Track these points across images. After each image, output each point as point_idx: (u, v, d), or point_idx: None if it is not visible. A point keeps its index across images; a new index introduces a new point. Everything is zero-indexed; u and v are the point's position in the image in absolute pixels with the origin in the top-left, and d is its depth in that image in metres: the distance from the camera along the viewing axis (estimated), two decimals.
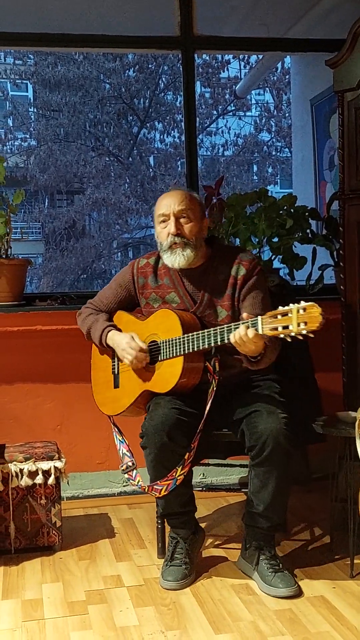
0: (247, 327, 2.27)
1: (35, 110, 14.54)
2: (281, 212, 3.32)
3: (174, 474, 2.43)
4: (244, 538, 2.60)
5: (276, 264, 3.44)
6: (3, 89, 14.40)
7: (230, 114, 14.56)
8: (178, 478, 2.43)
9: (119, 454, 2.67)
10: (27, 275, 3.47)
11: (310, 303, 2.15)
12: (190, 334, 2.43)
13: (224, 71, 13.45)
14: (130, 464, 2.62)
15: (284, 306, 2.19)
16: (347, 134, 3.00)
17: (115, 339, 2.64)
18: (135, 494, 3.45)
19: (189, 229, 2.53)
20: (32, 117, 14.63)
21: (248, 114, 14.87)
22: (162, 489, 2.44)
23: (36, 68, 13.71)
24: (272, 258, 3.37)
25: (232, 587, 2.48)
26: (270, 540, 2.53)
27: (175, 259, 2.53)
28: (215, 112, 14.41)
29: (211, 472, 3.57)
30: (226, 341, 2.34)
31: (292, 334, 2.16)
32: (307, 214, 3.37)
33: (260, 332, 2.24)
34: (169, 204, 2.54)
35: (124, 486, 3.50)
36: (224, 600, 2.39)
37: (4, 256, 3.22)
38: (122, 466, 2.64)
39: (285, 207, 3.33)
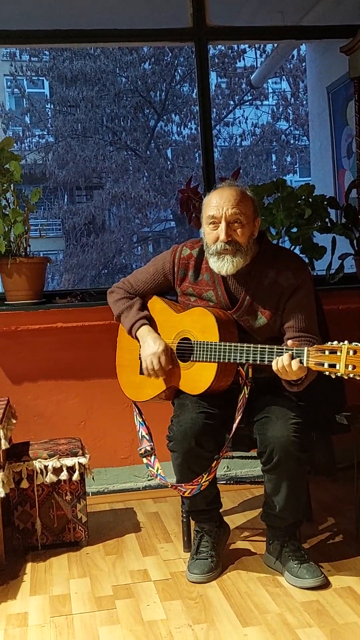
0: (292, 357, 2.18)
1: (52, 106, 14.58)
2: (299, 201, 3.29)
3: (199, 480, 2.41)
4: (267, 534, 2.59)
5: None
6: (20, 86, 14.45)
7: (247, 103, 14.48)
8: (203, 484, 2.41)
9: (138, 435, 2.66)
10: (48, 272, 3.47)
11: None
12: (229, 344, 2.33)
13: (239, 61, 13.38)
14: (148, 448, 2.59)
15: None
16: None
17: (146, 340, 2.54)
18: (160, 488, 3.46)
19: (241, 234, 2.36)
20: (49, 113, 14.67)
21: (265, 103, 14.78)
22: (186, 491, 2.43)
23: (52, 64, 13.74)
24: (292, 248, 3.34)
25: (258, 579, 2.48)
26: (293, 533, 2.52)
27: (222, 266, 2.37)
28: (232, 102, 14.34)
29: (235, 464, 3.56)
30: (265, 363, 2.26)
31: (339, 374, 2.10)
32: (325, 202, 3.34)
33: (304, 364, 2.17)
34: (220, 205, 2.35)
35: (148, 480, 3.51)
36: (251, 592, 2.39)
37: (23, 254, 3.23)
38: (140, 449, 2.62)
39: (303, 197, 3.30)
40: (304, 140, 13.96)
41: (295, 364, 2.17)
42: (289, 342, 2.24)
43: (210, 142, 3.66)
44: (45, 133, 14.54)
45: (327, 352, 2.12)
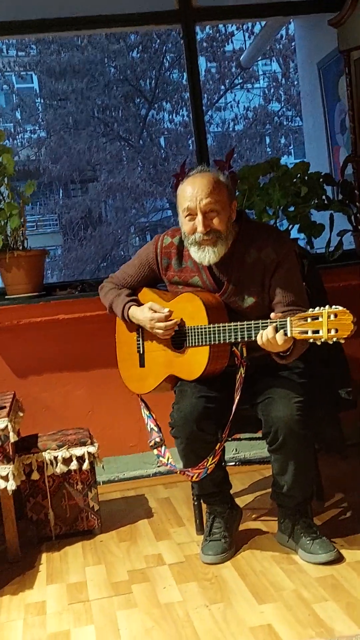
0: (276, 329, 2.19)
1: (42, 100, 14.53)
2: (295, 180, 3.28)
3: (205, 464, 2.42)
4: (278, 513, 2.60)
5: (294, 233, 3.40)
6: (8, 82, 14.39)
7: (238, 87, 14.40)
8: (209, 467, 2.42)
9: (147, 428, 2.67)
10: (47, 268, 3.47)
11: (341, 309, 2.08)
12: (216, 326, 2.35)
13: (228, 44, 13.30)
14: (158, 439, 2.61)
15: (313, 308, 2.14)
16: (356, 93, 2.95)
17: (137, 316, 2.57)
18: (170, 473, 3.47)
19: (219, 222, 2.36)
20: (40, 108, 14.62)
21: (256, 85, 14.71)
22: (193, 476, 2.44)
23: (39, 58, 13.68)
24: (290, 228, 3.34)
25: (272, 558, 2.49)
26: (304, 511, 2.52)
27: (204, 257, 2.39)
28: (222, 86, 14.27)
29: (244, 446, 3.57)
30: (253, 339, 2.27)
31: (322, 339, 2.10)
32: (321, 179, 3.33)
33: (288, 334, 2.17)
34: (194, 196, 2.34)
35: (158, 467, 3.52)
36: (265, 571, 2.40)
37: (20, 248, 3.22)
38: (150, 442, 2.63)
39: (298, 175, 3.29)
40: (297, 121, 13.90)
41: (279, 336, 2.18)
42: (272, 314, 2.24)
43: (202, 124, 3.64)
44: (37, 128, 14.49)
45: (309, 320, 2.13)
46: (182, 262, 2.54)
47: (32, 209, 13.84)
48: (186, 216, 2.40)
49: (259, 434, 2.90)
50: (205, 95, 13.25)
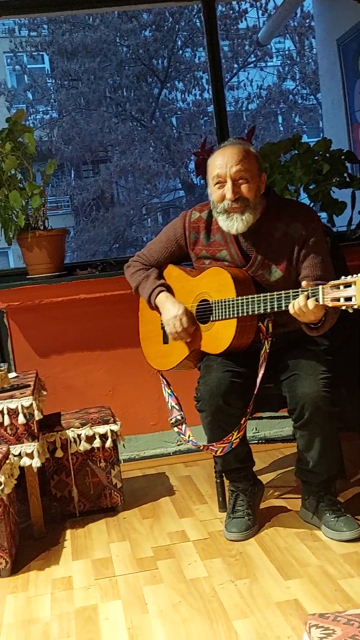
0: (307, 297, 2.18)
1: (53, 81, 14.45)
2: (316, 157, 3.26)
3: (230, 438, 2.42)
4: (302, 490, 2.61)
5: (315, 211, 3.38)
6: (20, 63, 14.32)
7: (252, 65, 14.27)
8: (234, 442, 2.43)
9: (167, 406, 2.68)
10: None
11: None
12: (245, 297, 2.35)
13: (241, 21, 13.16)
14: (179, 417, 2.61)
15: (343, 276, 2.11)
16: None
17: (165, 305, 2.56)
18: (191, 452, 3.50)
19: (248, 190, 2.37)
20: (52, 88, 14.54)
21: (270, 63, 14.56)
22: (217, 450, 2.45)
23: (51, 38, 13.60)
24: (311, 206, 3.31)
25: (296, 534, 2.50)
26: (328, 488, 2.53)
27: (232, 225, 2.39)
28: (236, 65, 14.14)
29: (264, 425, 3.58)
30: (283, 309, 2.26)
31: (356, 307, 2.07)
32: (343, 157, 3.30)
33: (320, 302, 2.16)
34: (224, 164, 2.37)
35: (178, 445, 3.54)
36: (290, 547, 2.42)
37: (41, 228, 3.23)
38: (171, 419, 2.64)
39: (320, 153, 3.26)
40: (312, 99, 13.77)
41: (311, 303, 2.17)
42: (304, 282, 2.23)
43: (223, 102, 3.61)
44: (49, 109, 14.44)
45: (341, 287, 2.11)
46: (210, 236, 2.54)
47: (49, 187, 13.85)
48: (216, 184, 2.41)
49: (280, 413, 2.92)
50: None
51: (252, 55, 14.15)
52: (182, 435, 2.60)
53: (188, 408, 2.62)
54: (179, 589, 2.23)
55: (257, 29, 12.70)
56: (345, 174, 3.30)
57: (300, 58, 13.78)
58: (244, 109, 14.26)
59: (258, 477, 2.80)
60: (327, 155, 3.26)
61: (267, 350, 2.40)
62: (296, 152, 3.25)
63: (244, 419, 2.43)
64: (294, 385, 2.38)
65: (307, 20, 12.39)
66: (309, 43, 13.08)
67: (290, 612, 2.01)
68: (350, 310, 2.11)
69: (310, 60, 13.39)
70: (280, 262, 2.44)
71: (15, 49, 13.97)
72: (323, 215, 3.40)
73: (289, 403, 2.40)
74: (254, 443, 3.05)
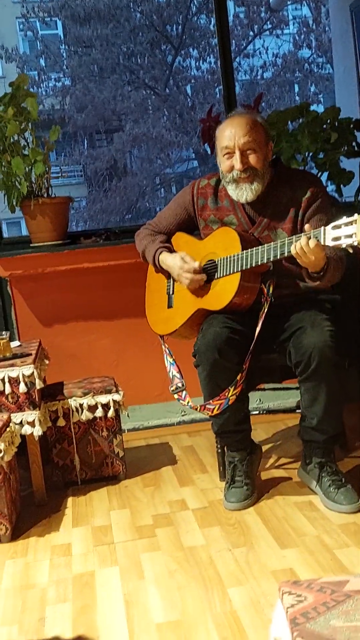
0: (309, 238, 2.21)
1: (66, 47, 14.27)
2: (325, 126, 3.20)
3: (226, 394, 2.44)
4: (303, 453, 2.62)
5: (322, 181, 3.32)
6: (33, 28, 14.15)
7: (267, 32, 14.01)
8: (230, 398, 2.45)
9: (168, 375, 2.69)
10: (72, 219, 3.45)
11: None
12: (249, 250, 2.39)
13: None
14: (180, 384, 2.63)
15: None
16: None
17: (167, 262, 2.63)
18: (194, 422, 3.50)
19: (256, 160, 2.43)
20: (64, 54, 14.37)
21: (286, 31, 14.28)
22: (214, 408, 2.47)
23: (64, 2, 13.40)
24: (318, 175, 3.26)
25: (295, 504, 2.51)
26: (330, 455, 2.54)
27: (242, 194, 2.46)
28: (251, 32, 13.89)
29: (268, 397, 3.58)
30: (286, 254, 2.29)
31: (355, 243, 2.10)
32: (352, 126, 3.23)
33: (322, 242, 2.19)
34: (232, 135, 2.43)
35: (182, 416, 3.55)
36: (288, 517, 2.43)
37: (45, 195, 3.20)
38: (171, 387, 2.65)
39: (328, 121, 3.20)
40: (328, 68, 13.52)
41: (312, 242, 2.20)
42: (306, 226, 2.27)
43: (231, 70, 3.55)
44: (61, 76, 14.28)
45: (342, 227, 2.15)
46: (217, 201, 2.60)
47: (57, 159, 13.76)
48: (224, 155, 2.48)
49: (284, 384, 2.92)
50: (234, 42, 12.94)
51: (268, 23, 13.89)
52: (181, 401, 2.62)
53: (189, 380, 2.61)
54: (176, 557, 2.25)
55: None
56: (354, 143, 3.24)
57: (316, 25, 13.51)
58: (258, 77, 14.04)
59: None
60: (336, 123, 3.19)
61: (265, 311, 2.44)
62: (304, 120, 3.19)
63: (240, 374, 2.44)
64: (299, 338, 2.39)
65: None
66: (326, 10, 12.80)
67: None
68: (350, 250, 2.15)
69: (326, 28, 13.11)
70: (285, 225, 2.49)
71: (28, 14, 13.79)
72: (331, 187, 3.35)
73: (295, 356, 2.40)
74: (257, 414, 3.05)
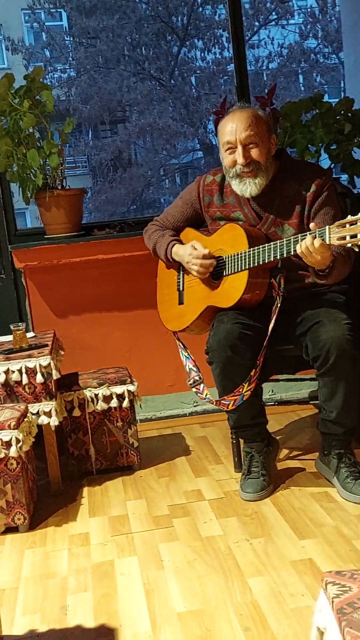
0: (314, 237, 2.22)
1: (72, 39, 14.21)
2: (338, 117, 3.19)
3: (240, 390, 2.44)
4: (321, 445, 2.63)
5: (336, 172, 3.33)
6: (38, 20, 14.09)
7: (273, 23, 13.93)
8: (245, 394, 2.45)
9: (185, 369, 2.69)
10: None
11: None
12: (255, 248, 2.40)
13: None
14: (197, 378, 2.63)
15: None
16: None
17: (179, 252, 2.64)
18: (207, 412, 3.51)
19: (258, 154, 2.43)
20: (70, 46, 14.31)
21: (291, 21, 14.19)
22: (229, 404, 2.47)
23: None
24: (332, 166, 3.26)
25: (311, 495, 2.52)
26: (349, 447, 2.55)
27: (246, 189, 2.46)
28: (257, 23, 13.81)
29: (280, 387, 3.59)
30: (292, 252, 2.30)
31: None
32: None
33: (327, 241, 2.19)
34: (234, 130, 2.44)
35: (194, 406, 3.56)
36: (305, 508, 2.44)
37: (59, 187, 3.20)
38: (189, 381, 2.66)
39: (342, 112, 3.20)
40: (334, 58, 13.46)
41: (317, 242, 2.20)
42: (312, 224, 2.27)
43: (244, 60, 3.54)
44: (67, 67, 14.22)
45: (347, 226, 2.15)
46: (223, 198, 2.60)
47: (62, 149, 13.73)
48: (227, 150, 2.48)
49: (297, 375, 2.93)
50: None
51: (274, 13, 13.81)
52: (199, 394, 2.62)
53: (205, 372, 2.62)
54: (195, 547, 2.26)
55: None
56: None
57: (322, 16, 13.42)
58: (264, 68, 13.97)
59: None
60: (350, 114, 3.19)
61: (279, 305, 2.44)
62: (317, 111, 3.19)
63: (254, 370, 2.44)
64: (317, 332, 2.39)
65: None
66: (332, 0, 12.74)
67: (304, 571, 2.04)
68: (356, 249, 2.15)
69: (332, 18, 13.04)
70: (292, 220, 2.48)
71: (33, 6, 13.71)
72: (344, 177, 3.35)
73: (312, 350, 2.40)
74: (270, 405, 3.06)
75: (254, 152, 2.43)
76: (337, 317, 2.39)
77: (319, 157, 3.23)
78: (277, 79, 13.53)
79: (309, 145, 3.20)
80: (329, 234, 2.19)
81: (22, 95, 3.02)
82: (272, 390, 3.60)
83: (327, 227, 2.20)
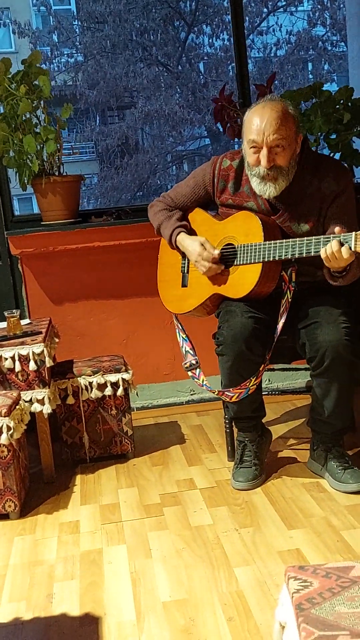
0: (340, 243, 2.17)
1: (79, 23, 14.12)
2: (337, 106, 3.16)
3: (247, 384, 2.43)
4: (311, 440, 2.62)
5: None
6: (46, 4, 14.02)
7: (281, 9, 13.81)
8: (251, 388, 2.44)
9: (181, 351, 2.67)
10: (83, 196, 3.43)
11: None
12: (274, 242, 2.33)
13: None
14: (193, 361, 2.61)
15: None
16: None
17: (185, 244, 2.56)
18: (203, 401, 3.51)
19: (283, 158, 2.33)
20: (77, 30, 14.23)
21: (300, 8, 14.06)
22: (233, 396, 2.46)
23: None
24: (331, 155, 3.23)
25: (302, 485, 2.52)
26: (338, 440, 2.54)
27: (265, 190, 2.37)
28: (265, 9, 13.70)
29: (277, 377, 3.58)
30: (313, 253, 2.24)
31: None
32: None
33: (352, 249, 2.15)
34: (261, 130, 2.30)
35: (191, 395, 3.56)
36: (295, 498, 2.44)
37: (56, 173, 3.19)
38: (185, 364, 2.64)
39: (341, 101, 3.16)
40: (342, 46, 13.33)
41: (345, 249, 2.16)
42: (337, 229, 2.21)
43: (244, 47, 3.51)
44: (74, 52, 14.15)
45: None
46: (239, 187, 2.52)
47: (69, 135, 13.69)
48: (251, 147, 2.36)
49: (293, 365, 2.92)
50: (247, 19, 12.75)
51: (282, 0, 13.69)
52: (195, 380, 2.60)
53: (202, 356, 2.61)
54: (183, 536, 2.27)
55: None
56: None
57: (331, 3, 13.28)
58: (272, 55, 13.85)
59: (269, 427, 2.82)
60: (349, 104, 3.15)
61: (289, 300, 2.40)
62: (317, 100, 3.16)
63: (262, 365, 2.43)
64: (314, 333, 2.37)
65: None
66: None
67: (291, 562, 2.04)
68: None
69: (341, 5, 12.91)
70: (309, 217, 2.42)
71: None
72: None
73: (309, 351, 2.39)
74: (266, 394, 3.05)
75: (279, 158, 2.32)
76: (336, 319, 2.35)
77: (317, 146, 3.20)
78: (285, 67, 13.43)
79: (308, 135, 3.17)
80: (355, 241, 2.15)
81: (19, 80, 3.00)
82: (269, 379, 3.60)
83: (353, 233, 2.15)
